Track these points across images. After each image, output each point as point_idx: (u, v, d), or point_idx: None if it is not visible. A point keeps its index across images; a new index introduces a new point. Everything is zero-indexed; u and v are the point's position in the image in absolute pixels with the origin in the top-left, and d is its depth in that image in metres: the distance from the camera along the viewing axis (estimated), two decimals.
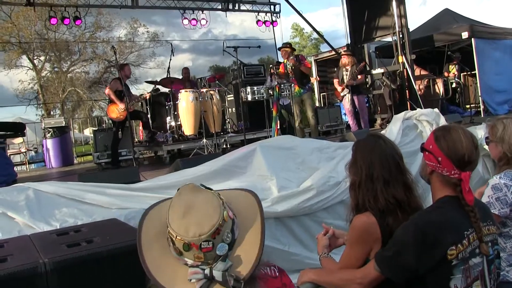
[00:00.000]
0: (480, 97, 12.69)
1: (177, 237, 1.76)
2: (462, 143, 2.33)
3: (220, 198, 1.89)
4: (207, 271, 1.77)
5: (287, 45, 10.23)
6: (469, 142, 2.34)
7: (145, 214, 2.03)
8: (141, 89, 24.43)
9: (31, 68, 32.63)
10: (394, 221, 2.57)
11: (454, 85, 13.77)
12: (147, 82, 12.22)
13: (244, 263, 1.87)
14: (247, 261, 1.88)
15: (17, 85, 32.01)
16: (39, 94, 32.41)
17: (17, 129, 9.12)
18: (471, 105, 13.38)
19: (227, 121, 12.36)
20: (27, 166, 13.11)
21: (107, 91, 9.61)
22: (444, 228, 2.25)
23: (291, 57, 9.77)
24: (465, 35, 12.79)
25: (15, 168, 8.16)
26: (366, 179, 2.70)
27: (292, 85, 9.21)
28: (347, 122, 12.15)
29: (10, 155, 10.26)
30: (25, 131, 9.75)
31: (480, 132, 6.68)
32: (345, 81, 10.75)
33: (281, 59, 10.44)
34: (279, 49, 10.39)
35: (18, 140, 13.23)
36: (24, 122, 14.54)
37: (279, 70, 9.93)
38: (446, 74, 14.21)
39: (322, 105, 16.87)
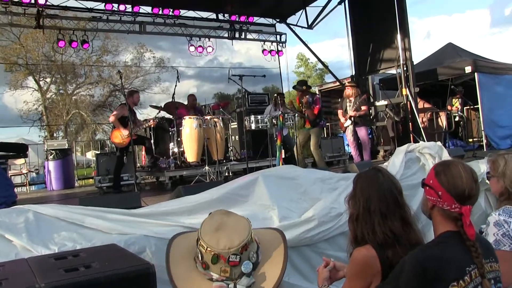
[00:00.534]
0: (483, 131, 12.73)
1: (208, 249, 1.85)
2: (462, 177, 2.36)
3: (248, 221, 1.96)
4: (231, 286, 1.84)
5: (303, 85, 10.38)
6: (469, 177, 2.37)
7: (172, 238, 2.16)
8: (145, 114, 24.55)
9: (37, 89, 32.92)
10: (394, 254, 2.58)
11: (457, 119, 13.77)
12: (152, 106, 12.24)
13: (267, 281, 1.93)
14: (270, 280, 1.95)
15: (21, 105, 32.26)
16: (43, 115, 32.57)
17: (20, 150, 9.14)
18: (474, 139, 13.39)
19: (230, 149, 12.36)
20: (27, 187, 13.09)
21: (111, 118, 9.61)
22: (446, 264, 2.24)
23: (306, 96, 9.96)
24: (468, 69, 12.86)
25: (15, 189, 8.15)
26: (363, 212, 2.74)
27: (296, 115, 9.26)
28: (350, 153, 12.15)
29: (11, 175, 10.23)
30: (27, 152, 9.77)
31: (482, 166, 6.67)
32: (348, 112, 10.79)
33: (285, 89, 10.54)
34: (294, 87, 10.51)
35: (20, 161, 13.23)
36: (27, 143, 14.58)
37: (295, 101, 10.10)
38: (449, 107, 14.23)
39: (325, 136, 16.90)
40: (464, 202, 2.33)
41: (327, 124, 18.00)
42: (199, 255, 1.92)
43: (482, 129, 12.70)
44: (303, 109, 10.06)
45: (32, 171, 15.71)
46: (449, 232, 2.37)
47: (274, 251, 2.09)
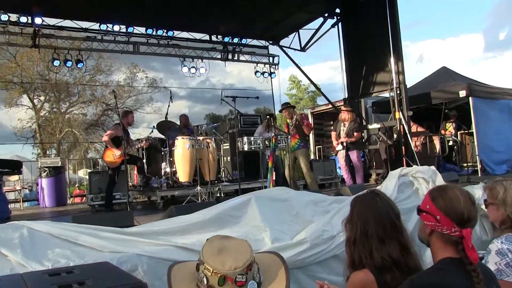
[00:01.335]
0: (477, 156, 12.61)
1: (213, 272, 1.87)
2: (459, 201, 2.31)
3: (248, 243, 1.99)
4: None
5: (287, 104, 10.48)
6: (467, 199, 2.33)
7: (170, 267, 2.16)
8: (137, 133, 24.53)
9: (31, 107, 32.95)
10: (392, 278, 2.56)
11: (451, 143, 13.74)
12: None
13: None
14: None
15: (16, 123, 32.32)
16: (36, 133, 32.53)
17: (15, 166, 9.12)
18: (468, 164, 13.36)
19: (222, 170, 12.34)
20: (21, 204, 13.03)
21: (105, 138, 9.59)
22: None
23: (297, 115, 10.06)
24: (462, 93, 12.78)
25: (9, 206, 8.14)
26: (361, 236, 2.72)
27: (289, 137, 9.27)
28: (342, 175, 12.14)
29: (4, 192, 10.20)
30: (21, 169, 9.75)
31: (477, 191, 6.60)
32: (341, 136, 10.83)
33: (277, 111, 10.57)
34: (281, 111, 10.56)
35: (14, 177, 13.19)
36: (21, 160, 14.47)
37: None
38: (443, 131, 14.24)
39: (317, 158, 16.91)
40: (464, 225, 2.28)
41: (319, 146, 18.06)
42: (204, 280, 1.93)
43: (477, 154, 12.58)
44: (291, 128, 10.11)
45: (26, 188, 15.68)
46: (448, 259, 2.32)
47: (275, 271, 2.12)
